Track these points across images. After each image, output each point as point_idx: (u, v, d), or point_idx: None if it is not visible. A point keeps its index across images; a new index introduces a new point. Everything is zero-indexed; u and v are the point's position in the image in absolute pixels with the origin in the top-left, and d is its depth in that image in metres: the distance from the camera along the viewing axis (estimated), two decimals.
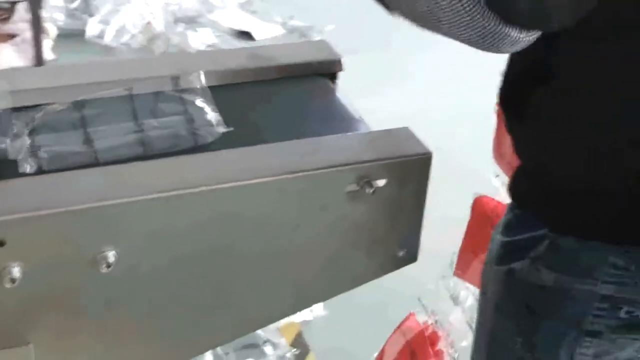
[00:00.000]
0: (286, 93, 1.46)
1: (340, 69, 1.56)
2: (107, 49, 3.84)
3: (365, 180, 1.21)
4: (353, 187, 1.22)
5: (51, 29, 3.77)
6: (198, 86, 1.39)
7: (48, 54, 3.44)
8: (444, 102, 3.54)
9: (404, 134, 1.30)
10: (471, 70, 3.66)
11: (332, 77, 1.57)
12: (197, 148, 1.29)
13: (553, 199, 1.07)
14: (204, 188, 1.16)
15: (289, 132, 1.33)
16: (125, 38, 3.90)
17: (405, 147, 1.27)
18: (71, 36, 3.91)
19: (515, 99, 1.10)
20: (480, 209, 1.81)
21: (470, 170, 2.76)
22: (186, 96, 1.38)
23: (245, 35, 4.06)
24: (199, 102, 1.36)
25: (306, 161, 1.22)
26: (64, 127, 1.32)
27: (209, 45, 3.90)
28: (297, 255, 1.25)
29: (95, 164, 1.25)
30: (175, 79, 1.40)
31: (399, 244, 1.28)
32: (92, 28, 3.91)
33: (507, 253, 1.15)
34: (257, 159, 1.23)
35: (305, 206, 1.22)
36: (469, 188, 1.95)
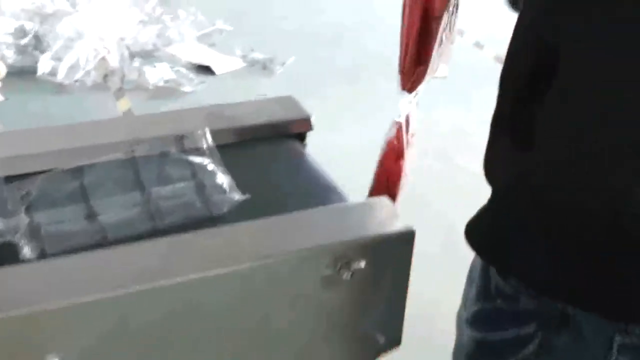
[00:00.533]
0: (251, 158, 1.34)
1: (310, 129, 1.44)
2: (60, 87, 3.68)
3: (343, 263, 1.10)
4: (328, 270, 1.10)
5: (0, 67, 3.61)
6: (204, 146, 1.26)
7: None
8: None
9: (383, 206, 1.19)
10: (439, 97, 3.59)
11: (301, 137, 1.45)
12: (211, 219, 1.16)
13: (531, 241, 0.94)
14: (163, 282, 1.03)
15: (254, 204, 1.21)
16: (79, 75, 3.74)
17: (385, 223, 1.15)
18: (22, 74, 3.75)
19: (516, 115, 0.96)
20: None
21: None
22: (193, 158, 1.25)
23: (205, 69, 3.93)
24: (208, 164, 1.23)
25: (275, 244, 1.10)
26: (63, 200, 1.18)
27: (166, 81, 3.76)
28: (267, 347, 1.13)
29: (102, 243, 1.11)
30: (180, 138, 1.27)
31: (381, 330, 1.17)
32: (43, 65, 3.74)
33: (483, 355, 1.03)
34: (220, 244, 1.10)
35: (275, 294, 1.10)
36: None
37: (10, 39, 3.88)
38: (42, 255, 1.12)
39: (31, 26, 3.95)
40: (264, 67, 3.97)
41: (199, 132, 1.32)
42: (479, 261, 1.04)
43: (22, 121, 3.36)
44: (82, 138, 1.37)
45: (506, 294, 0.98)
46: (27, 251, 1.11)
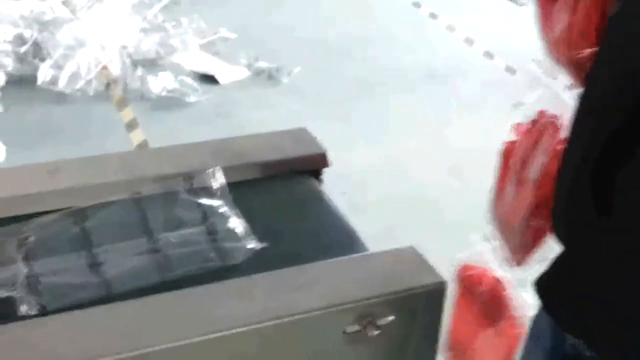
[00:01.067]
0: (264, 199, 1.26)
1: (326, 165, 1.36)
2: (61, 96, 3.59)
3: (368, 320, 1.02)
4: (353, 327, 1.02)
5: None
6: (215, 186, 1.17)
7: None
8: (429, 147, 3.33)
9: (411, 256, 1.11)
10: (459, 111, 3.50)
11: (316, 173, 1.37)
12: (224, 269, 1.07)
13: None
14: (170, 345, 0.95)
15: (270, 253, 1.12)
16: (80, 84, 3.65)
17: (413, 276, 1.07)
18: (21, 82, 3.66)
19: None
20: (466, 280, 1.52)
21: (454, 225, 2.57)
22: (203, 199, 1.16)
23: (209, 78, 3.84)
24: (220, 206, 1.14)
25: (296, 301, 1.01)
26: (64, 247, 1.10)
27: (170, 91, 3.67)
28: None
29: (106, 298, 1.03)
30: (189, 177, 1.18)
31: None
32: (43, 74, 3.65)
33: None
34: (235, 300, 1.02)
35: (297, 353, 1.02)
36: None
37: (8, 47, 3.79)
38: (42, 311, 1.03)
39: (30, 34, 3.86)
40: (270, 76, 3.88)
41: (209, 170, 1.24)
42: (548, 319, 0.95)
43: (22, 133, 3.27)
44: (84, 175, 1.29)
45: (585, 356, 0.89)
46: (25, 308, 1.03)
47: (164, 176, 1.24)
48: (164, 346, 0.95)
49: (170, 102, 3.62)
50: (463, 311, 1.53)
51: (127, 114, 3.53)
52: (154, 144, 3.25)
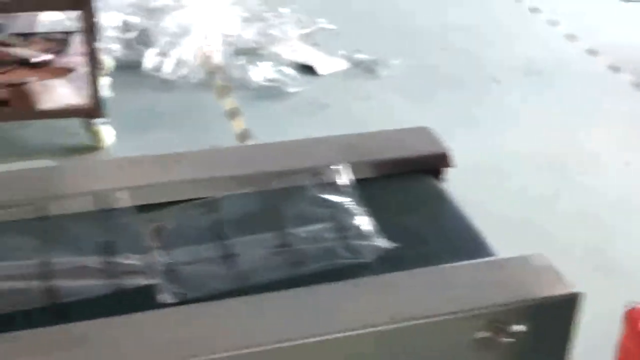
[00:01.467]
0: (388, 197, 1.27)
1: (448, 165, 1.36)
2: (165, 83, 3.68)
3: (499, 327, 1.02)
4: (483, 333, 1.02)
5: (108, 61, 3.63)
6: (343, 182, 1.19)
7: (106, 91, 3.30)
8: (526, 144, 3.28)
9: (541, 264, 1.10)
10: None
11: (437, 173, 1.37)
12: (353, 267, 1.09)
13: None
14: (305, 340, 0.97)
15: (396, 252, 1.13)
16: (183, 71, 3.74)
17: (545, 284, 1.07)
18: (127, 68, 3.76)
19: None
20: (635, 322, 1.55)
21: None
22: (331, 195, 1.18)
23: (308, 69, 3.87)
24: (348, 203, 1.16)
25: (428, 303, 1.02)
26: (198, 237, 1.14)
27: (270, 80, 3.72)
28: None
29: (240, 290, 1.06)
30: (317, 172, 1.20)
31: None
32: (149, 60, 3.75)
33: None
34: (365, 299, 1.04)
35: (424, 357, 1.03)
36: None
37: (117, 33, 3.90)
38: (181, 300, 1.07)
39: (137, 21, 3.97)
40: (369, 69, 3.89)
41: (338, 166, 1.26)
42: None
43: (129, 117, 3.37)
44: (213, 167, 1.32)
45: None
46: (165, 296, 1.07)
47: (292, 170, 1.26)
48: (300, 342, 0.97)
49: (271, 92, 3.67)
50: (629, 354, 1.54)
51: (228, 102, 3.59)
52: (254, 133, 3.30)
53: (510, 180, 3.01)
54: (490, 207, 2.58)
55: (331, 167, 1.23)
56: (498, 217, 2.45)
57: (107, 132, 3.17)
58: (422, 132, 1.42)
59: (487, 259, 1.14)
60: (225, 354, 0.97)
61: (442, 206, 1.26)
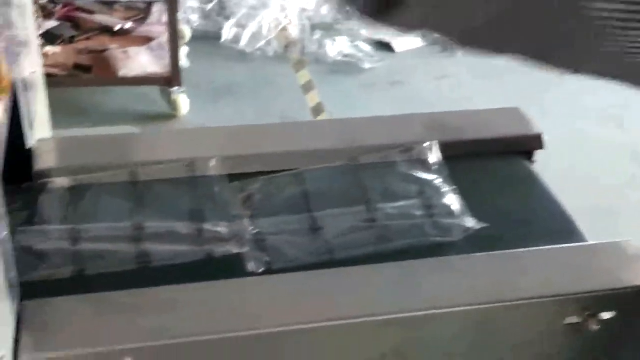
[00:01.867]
0: (477, 177, 1.26)
1: (540, 147, 1.34)
2: (242, 55, 3.70)
3: (590, 313, 1.01)
4: (574, 319, 1.01)
5: (186, 31, 3.67)
6: (432, 160, 1.19)
7: (183, 61, 3.34)
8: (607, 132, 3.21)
9: (633, 251, 1.08)
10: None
11: (528, 155, 1.35)
12: (440, 245, 1.09)
13: None
14: (393, 316, 0.98)
15: (484, 232, 1.13)
16: (260, 44, 3.75)
17: (636, 272, 1.05)
18: (205, 39, 3.79)
19: None
20: None
21: None
22: (420, 173, 1.18)
23: (384, 46, 3.85)
24: (436, 181, 1.16)
25: (520, 285, 1.01)
26: (285, 208, 1.16)
27: (345, 56, 3.71)
28: None
29: (327, 262, 1.07)
30: (406, 149, 1.20)
31: None
32: (227, 32, 3.78)
33: None
34: (453, 277, 1.03)
35: (514, 338, 1.02)
36: None
37: (195, 4, 3.94)
38: (268, 270, 1.09)
39: None
40: (444, 47, 3.84)
41: (427, 144, 1.25)
42: None
43: (205, 88, 3.41)
44: (304, 139, 1.33)
45: None
46: (253, 265, 1.08)
47: (382, 146, 1.26)
48: (385, 317, 0.98)
49: (346, 67, 3.66)
50: None
51: (304, 76, 3.60)
52: (329, 107, 3.30)
53: (588, 165, 2.95)
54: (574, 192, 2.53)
55: (422, 144, 1.23)
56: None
57: (183, 101, 3.21)
58: (514, 113, 1.40)
59: (578, 244, 1.12)
60: (308, 326, 0.98)
61: (534, 189, 1.25)
